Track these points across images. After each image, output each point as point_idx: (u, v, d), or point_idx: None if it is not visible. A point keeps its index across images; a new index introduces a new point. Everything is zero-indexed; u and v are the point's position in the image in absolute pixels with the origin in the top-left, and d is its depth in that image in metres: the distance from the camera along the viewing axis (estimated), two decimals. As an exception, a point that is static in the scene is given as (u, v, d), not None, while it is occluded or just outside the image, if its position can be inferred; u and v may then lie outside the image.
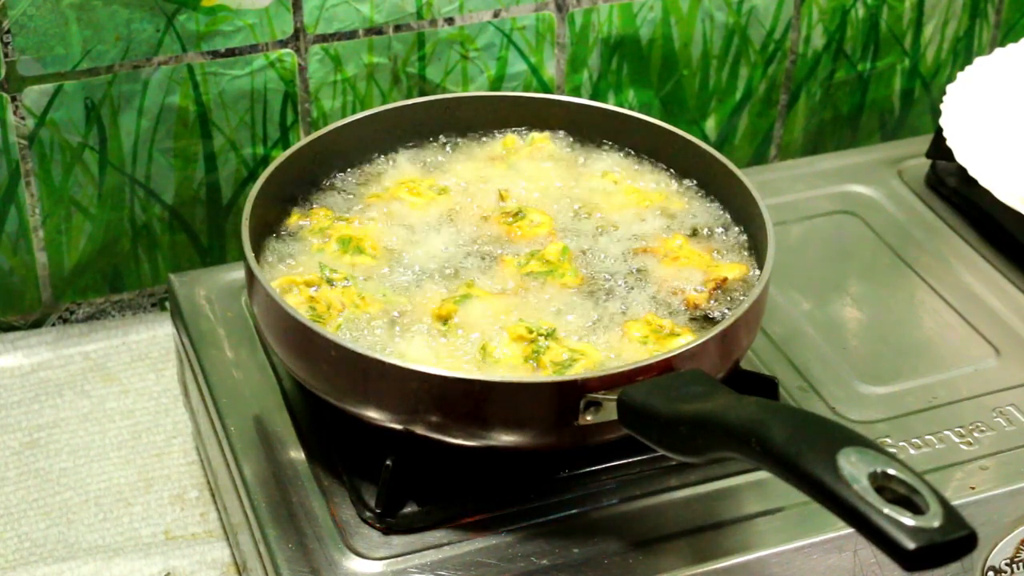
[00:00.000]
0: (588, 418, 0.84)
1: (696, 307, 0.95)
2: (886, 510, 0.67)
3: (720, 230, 1.02)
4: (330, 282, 0.95)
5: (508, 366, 0.89)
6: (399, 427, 0.87)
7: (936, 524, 0.66)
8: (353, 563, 0.87)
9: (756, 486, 0.93)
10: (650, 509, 0.91)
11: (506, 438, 0.86)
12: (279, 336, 0.91)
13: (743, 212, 1.02)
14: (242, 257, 0.94)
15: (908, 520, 0.66)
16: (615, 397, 0.83)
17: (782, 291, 1.10)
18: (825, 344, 1.05)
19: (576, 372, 0.87)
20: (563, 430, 0.86)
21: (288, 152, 1.02)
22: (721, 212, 1.04)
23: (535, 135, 1.10)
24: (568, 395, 0.84)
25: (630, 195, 1.05)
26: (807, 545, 0.89)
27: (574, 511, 0.91)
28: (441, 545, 0.88)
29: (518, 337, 0.91)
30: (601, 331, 0.93)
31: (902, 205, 1.21)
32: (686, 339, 0.91)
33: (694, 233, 1.02)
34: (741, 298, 0.95)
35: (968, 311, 1.09)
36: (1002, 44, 1.39)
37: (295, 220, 1.01)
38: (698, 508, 0.91)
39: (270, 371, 1.01)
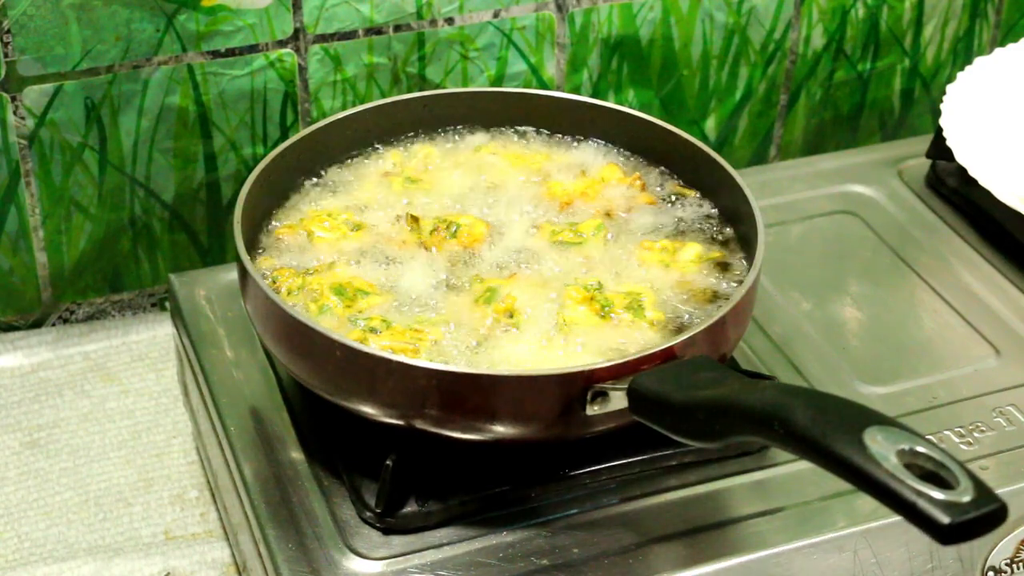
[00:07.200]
0: (595, 408, 0.84)
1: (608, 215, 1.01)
2: (918, 486, 0.67)
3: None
4: (373, 330, 0.90)
5: (591, 327, 0.90)
6: (402, 423, 0.86)
7: (968, 498, 0.67)
8: (353, 563, 0.87)
9: (756, 486, 0.93)
10: (650, 509, 0.91)
11: (513, 431, 0.85)
12: (279, 337, 0.90)
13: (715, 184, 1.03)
14: (236, 259, 0.93)
15: (940, 495, 0.66)
16: (624, 387, 0.83)
17: (782, 291, 1.10)
18: (825, 344, 1.05)
19: (583, 364, 0.86)
20: (570, 422, 0.85)
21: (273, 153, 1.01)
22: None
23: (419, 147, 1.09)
24: (575, 387, 0.83)
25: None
26: (807, 545, 0.89)
27: (574, 511, 0.91)
28: (441, 545, 0.88)
29: (581, 299, 0.92)
30: (625, 273, 0.96)
31: (902, 205, 1.20)
32: (693, 248, 0.97)
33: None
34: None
35: (968, 311, 1.09)
36: (1002, 44, 1.39)
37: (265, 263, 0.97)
38: (698, 508, 0.91)
39: (270, 371, 1.01)
